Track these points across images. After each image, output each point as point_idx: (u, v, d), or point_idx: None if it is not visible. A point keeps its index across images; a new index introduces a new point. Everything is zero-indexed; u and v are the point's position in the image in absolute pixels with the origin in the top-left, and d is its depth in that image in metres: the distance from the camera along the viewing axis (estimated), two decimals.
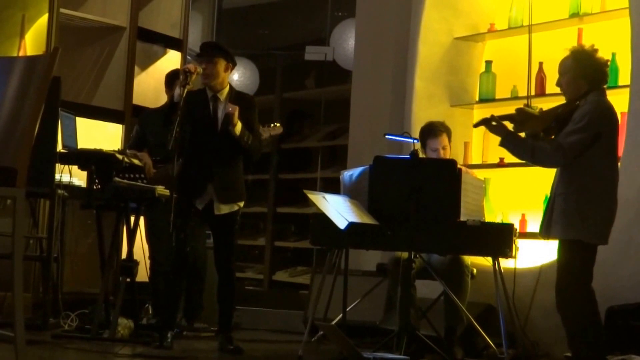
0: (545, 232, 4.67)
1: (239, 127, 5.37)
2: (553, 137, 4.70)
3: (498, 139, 4.80)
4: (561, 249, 4.61)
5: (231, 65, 5.59)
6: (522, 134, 4.86)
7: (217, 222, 5.55)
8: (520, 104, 6.14)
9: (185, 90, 5.33)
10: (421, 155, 5.71)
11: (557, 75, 4.78)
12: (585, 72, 4.63)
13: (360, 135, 7.46)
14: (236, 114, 5.34)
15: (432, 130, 5.85)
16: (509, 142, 4.72)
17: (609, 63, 4.74)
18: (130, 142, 6.64)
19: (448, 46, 7.06)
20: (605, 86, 4.73)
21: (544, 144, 4.66)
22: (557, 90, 4.87)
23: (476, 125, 4.95)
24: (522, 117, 4.75)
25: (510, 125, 4.79)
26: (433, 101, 7.00)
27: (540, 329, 5.63)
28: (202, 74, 5.51)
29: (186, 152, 5.49)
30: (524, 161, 4.83)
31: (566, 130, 4.57)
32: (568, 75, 4.67)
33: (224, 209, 5.49)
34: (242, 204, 5.59)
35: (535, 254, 6.01)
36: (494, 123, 4.76)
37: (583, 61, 4.64)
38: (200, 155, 5.49)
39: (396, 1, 7.40)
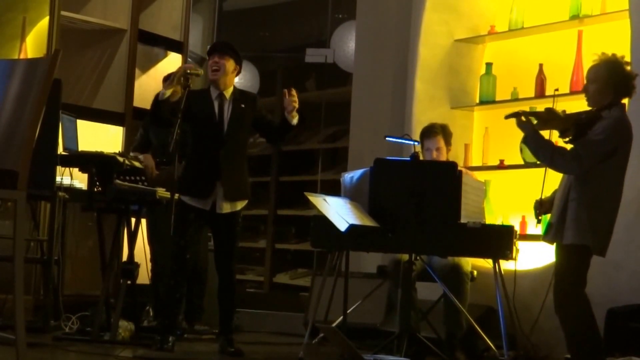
0: (554, 236, 4.66)
1: (297, 117, 5.50)
2: (569, 139, 4.72)
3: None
4: (564, 253, 4.60)
5: (239, 68, 5.61)
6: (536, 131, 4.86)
7: (219, 223, 5.54)
8: (521, 105, 6.18)
9: (186, 92, 5.33)
10: (421, 157, 5.73)
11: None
12: (616, 83, 4.63)
13: (360, 138, 7.47)
14: (297, 105, 5.47)
15: (429, 131, 5.92)
16: (532, 141, 4.72)
17: (637, 77, 4.74)
18: (135, 144, 6.65)
19: (448, 48, 7.06)
20: (626, 100, 4.73)
21: (564, 150, 4.68)
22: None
23: (507, 117, 4.92)
24: (548, 116, 4.78)
25: (533, 121, 4.81)
26: (433, 103, 7.00)
27: (542, 331, 5.63)
28: (211, 69, 5.52)
29: (190, 151, 5.50)
30: (540, 162, 4.84)
31: (586, 139, 4.60)
32: (598, 83, 4.66)
33: (227, 208, 5.49)
34: (245, 203, 5.58)
35: (536, 256, 6.01)
36: (523, 118, 4.77)
37: (616, 73, 4.65)
38: (207, 155, 5.48)
39: (397, 3, 7.41)
